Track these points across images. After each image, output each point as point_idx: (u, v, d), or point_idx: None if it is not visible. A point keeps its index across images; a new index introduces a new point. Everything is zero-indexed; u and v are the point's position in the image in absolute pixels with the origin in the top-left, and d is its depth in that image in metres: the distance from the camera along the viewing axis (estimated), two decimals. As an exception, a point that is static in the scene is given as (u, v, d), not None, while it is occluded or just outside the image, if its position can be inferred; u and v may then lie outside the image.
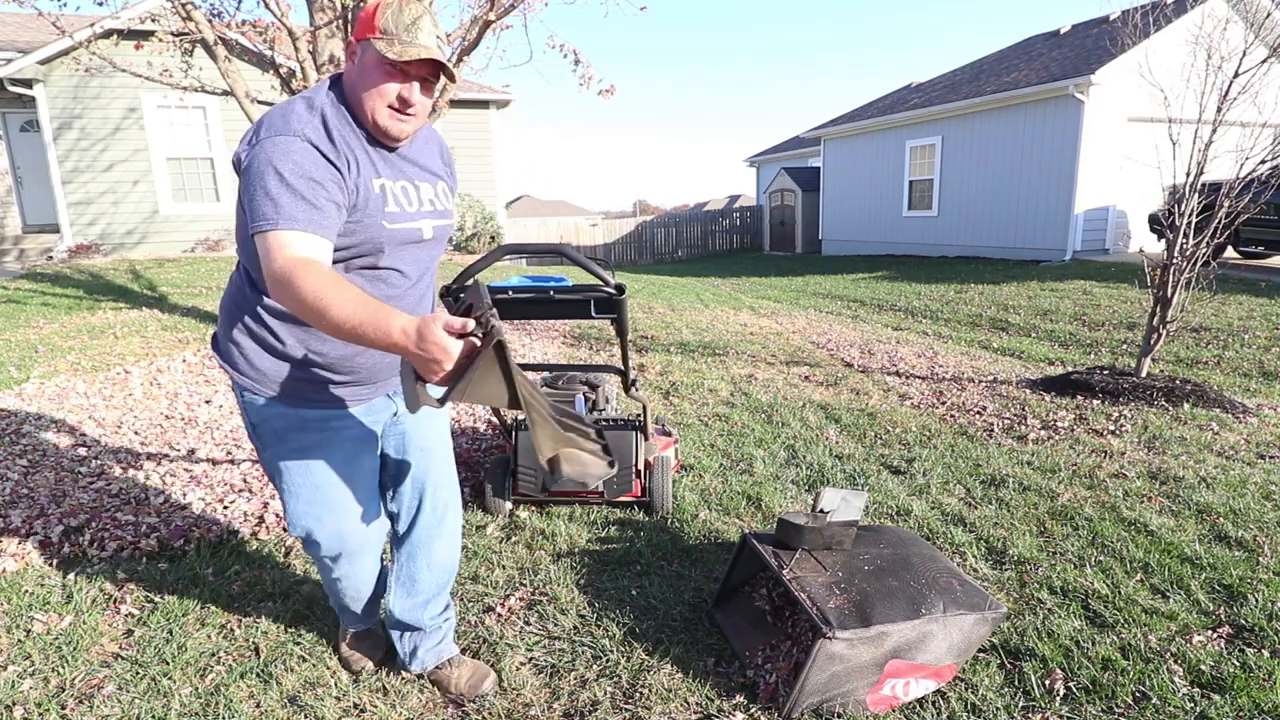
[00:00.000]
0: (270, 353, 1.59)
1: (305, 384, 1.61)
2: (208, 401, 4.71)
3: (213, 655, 2.13)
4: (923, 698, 1.93)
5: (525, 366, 3.23)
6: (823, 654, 1.78)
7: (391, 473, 1.84)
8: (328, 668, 2.07)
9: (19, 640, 2.19)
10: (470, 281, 1.27)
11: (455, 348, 1.15)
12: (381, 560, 1.94)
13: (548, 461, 1.38)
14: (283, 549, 2.78)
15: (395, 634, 1.97)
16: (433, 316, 1.16)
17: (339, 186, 1.41)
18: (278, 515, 3.03)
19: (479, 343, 1.16)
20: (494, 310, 1.19)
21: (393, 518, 1.90)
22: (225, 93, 5.71)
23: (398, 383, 1.72)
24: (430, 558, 1.90)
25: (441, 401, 1.20)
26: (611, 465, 1.49)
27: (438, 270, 1.79)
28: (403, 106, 1.47)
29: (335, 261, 1.46)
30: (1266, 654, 2.06)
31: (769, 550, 2.09)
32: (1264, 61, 4.75)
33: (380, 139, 1.51)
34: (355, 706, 1.93)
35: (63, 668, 2.07)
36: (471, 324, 1.16)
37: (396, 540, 1.92)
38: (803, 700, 1.82)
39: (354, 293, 1.24)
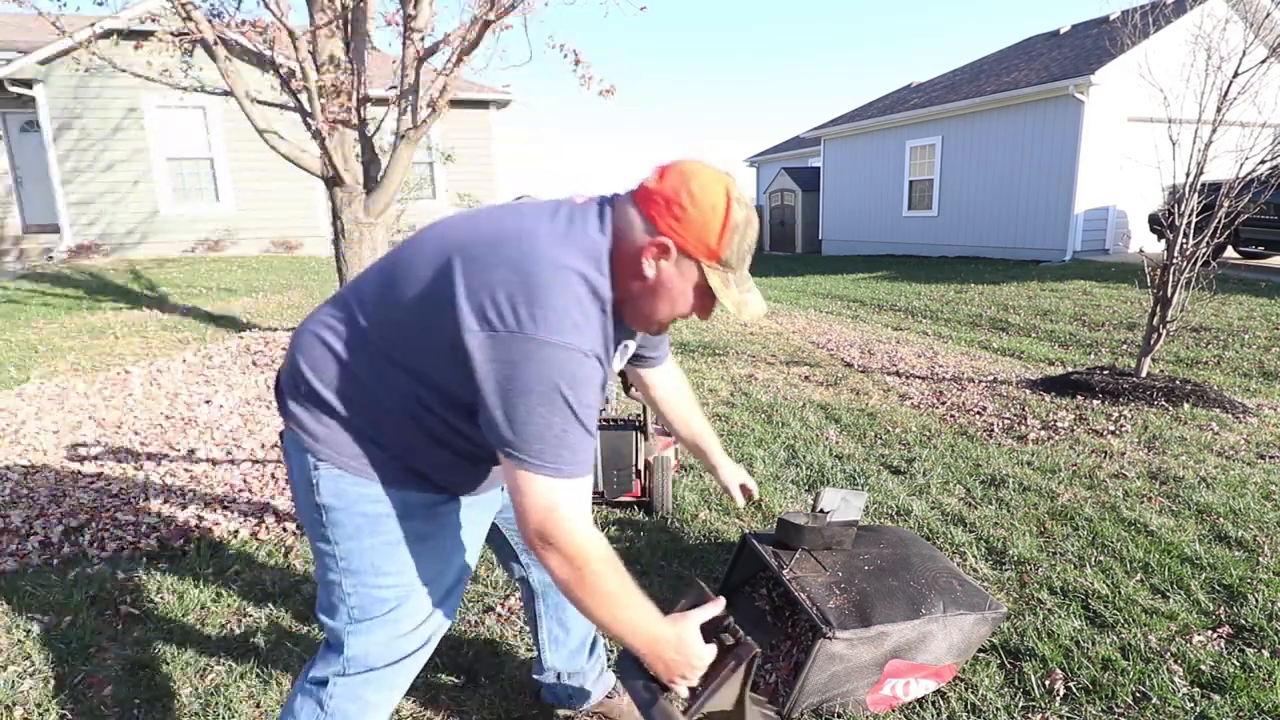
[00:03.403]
0: (381, 450, 1.22)
1: (411, 472, 1.24)
2: (207, 401, 4.71)
3: (213, 655, 2.13)
4: (923, 698, 1.93)
5: None
6: (823, 654, 1.77)
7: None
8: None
9: (19, 640, 2.19)
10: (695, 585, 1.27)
11: (708, 659, 1.14)
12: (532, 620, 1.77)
13: None
14: (282, 549, 2.78)
15: (555, 683, 1.81)
16: (688, 621, 1.16)
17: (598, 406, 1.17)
18: (277, 515, 3.03)
19: (731, 656, 1.17)
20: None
21: (528, 569, 1.71)
22: (225, 93, 5.70)
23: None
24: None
25: (690, 717, 1.17)
26: None
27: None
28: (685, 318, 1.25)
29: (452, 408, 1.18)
30: (1266, 654, 2.06)
31: (769, 550, 2.09)
32: (1264, 61, 4.75)
33: (626, 323, 1.24)
34: (355, 706, 1.93)
35: (63, 668, 2.07)
36: (728, 637, 1.17)
37: (537, 593, 1.73)
38: (803, 700, 1.82)
39: (631, 586, 1.14)
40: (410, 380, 1.17)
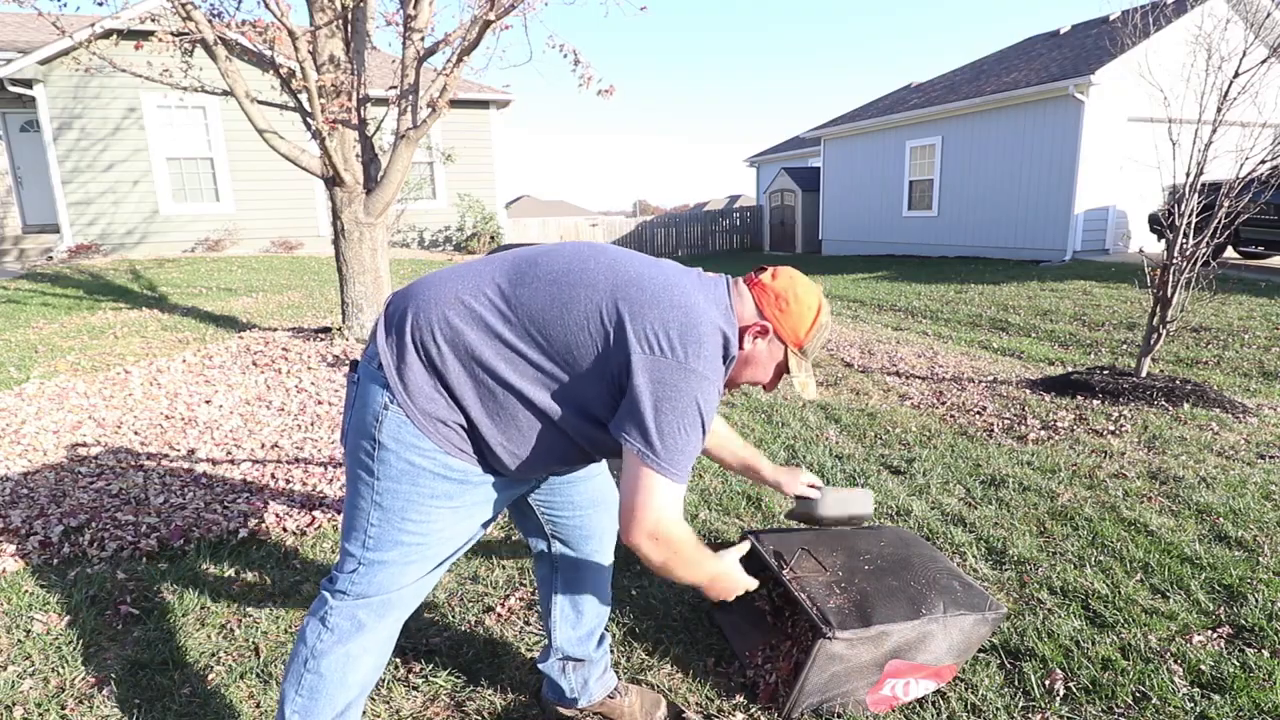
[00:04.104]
0: (457, 417, 1.37)
1: (471, 443, 1.40)
2: (208, 401, 4.71)
3: (213, 655, 2.13)
4: (923, 698, 1.93)
5: None
6: (823, 654, 1.77)
7: (556, 497, 1.70)
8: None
9: (19, 640, 2.19)
10: None
11: (747, 581, 1.53)
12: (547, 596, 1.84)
13: None
14: (282, 549, 2.78)
15: (559, 670, 1.85)
16: (730, 555, 1.53)
17: None
18: (278, 515, 3.03)
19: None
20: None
21: (552, 540, 1.76)
22: (225, 93, 5.71)
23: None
24: (596, 587, 1.81)
25: None
26: None
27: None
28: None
29: (574, 410, 1.37)
30: (1266, 654, 2.06)
31: (769, 550, 2.09)
32: (1264, 61, 4.75)
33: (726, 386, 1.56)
34: (355, 706, 1.93)
35: (63, 668, 2.07)
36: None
37: (557, 570, 1.78)
38: (802, 700, 1.82)
39: (703, 548, 1.43)
40: (542, 375, 1.34)
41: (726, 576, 1.49)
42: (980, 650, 2.11)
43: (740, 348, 1.44)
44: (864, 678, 1.85)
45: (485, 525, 1.53)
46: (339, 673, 1.45)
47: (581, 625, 1.81)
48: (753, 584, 1.53)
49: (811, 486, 2.02)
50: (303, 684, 1.45)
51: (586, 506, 1.72)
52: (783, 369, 1.50)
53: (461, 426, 1.37)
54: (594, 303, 1.31)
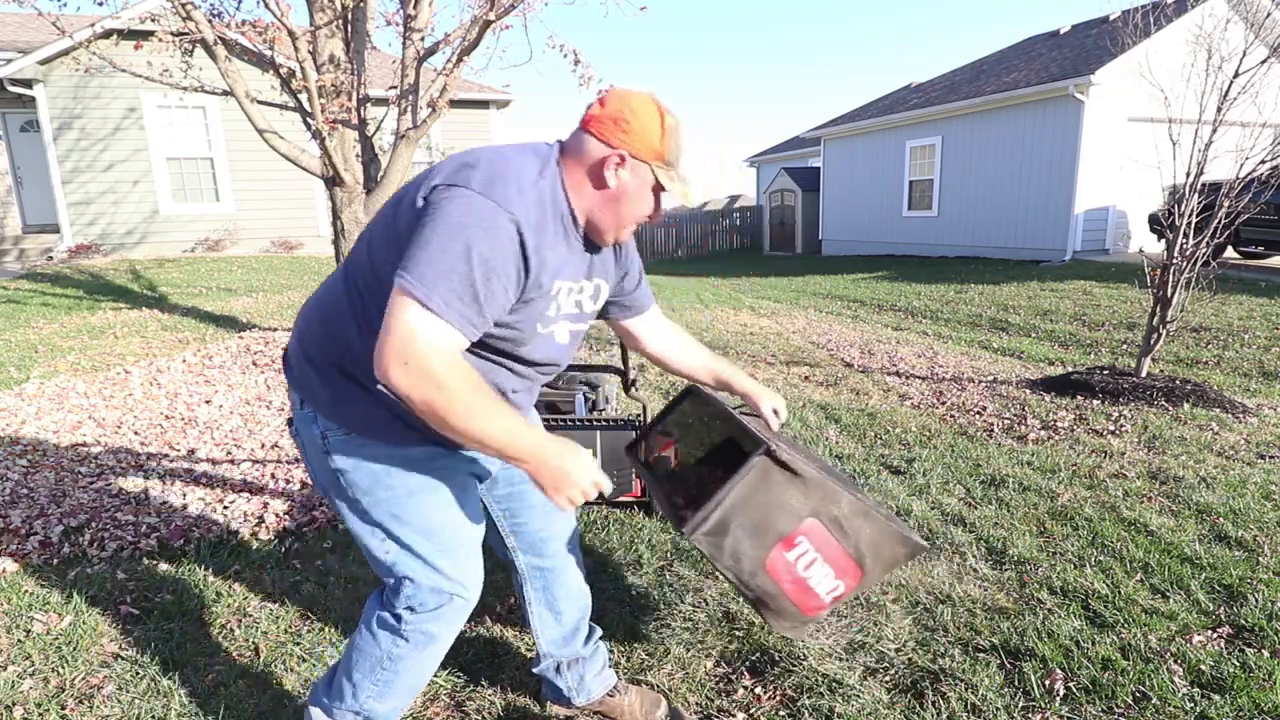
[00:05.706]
0: (369, 396, 1.38)
1: (408, 427, 1.38)
2: (208, 401, 4.71)
3: (213, 655, 2.13)
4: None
5: None
6: (757, 469, 1.57)
7: (515, 503, 1.71)
8: (327, 667, 2.07)
9: (19, 640, 2.19)
10: None
11: (599, 477, 1.34)
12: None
13: None
14: (282, 549, 2.78)
15: (554, 671, 1.84)
16: (571, 440, 1.32)
17: (509, 291, 1.29)
18: (278, 515, 3.03)
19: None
20: None
21: (515, 551, 1.77)
22: (225, 93, 5.71)
23: None
24: (568, 586, 1.80)
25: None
26: None
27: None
28: (647, 221, 1.47)
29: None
30: (1266, 654, 2.06)
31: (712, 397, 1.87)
32: (1264, 61, 4.75)
33: (596, 240, 1.46)
34: (355, 706, 1.93)
35: (63, 668, 2.07)
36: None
37: (526, 578, 1.79)
38: (715, 514, 1.56)
39: (498, 402, 1.26)
40: (348, 298, 1.38)
41: (560, 451, 1.29)
42: (980, 650, 2.11)
43: (604, 187, 1.37)
44: (778, 523, 1.62)
45: (474, 508, 1.56)
46: (415, 673, 1.55)
47: (563, 625, 1.81)
48: (605, 483, 1.34)
49: (776, 412, 1.83)
50: (379, 678, 1.53)
51: (543, 506, 1.71)
52: (658, 189, 1.41)
53: (393, 412, 1.37)
54: (407, 200, 1.32)
